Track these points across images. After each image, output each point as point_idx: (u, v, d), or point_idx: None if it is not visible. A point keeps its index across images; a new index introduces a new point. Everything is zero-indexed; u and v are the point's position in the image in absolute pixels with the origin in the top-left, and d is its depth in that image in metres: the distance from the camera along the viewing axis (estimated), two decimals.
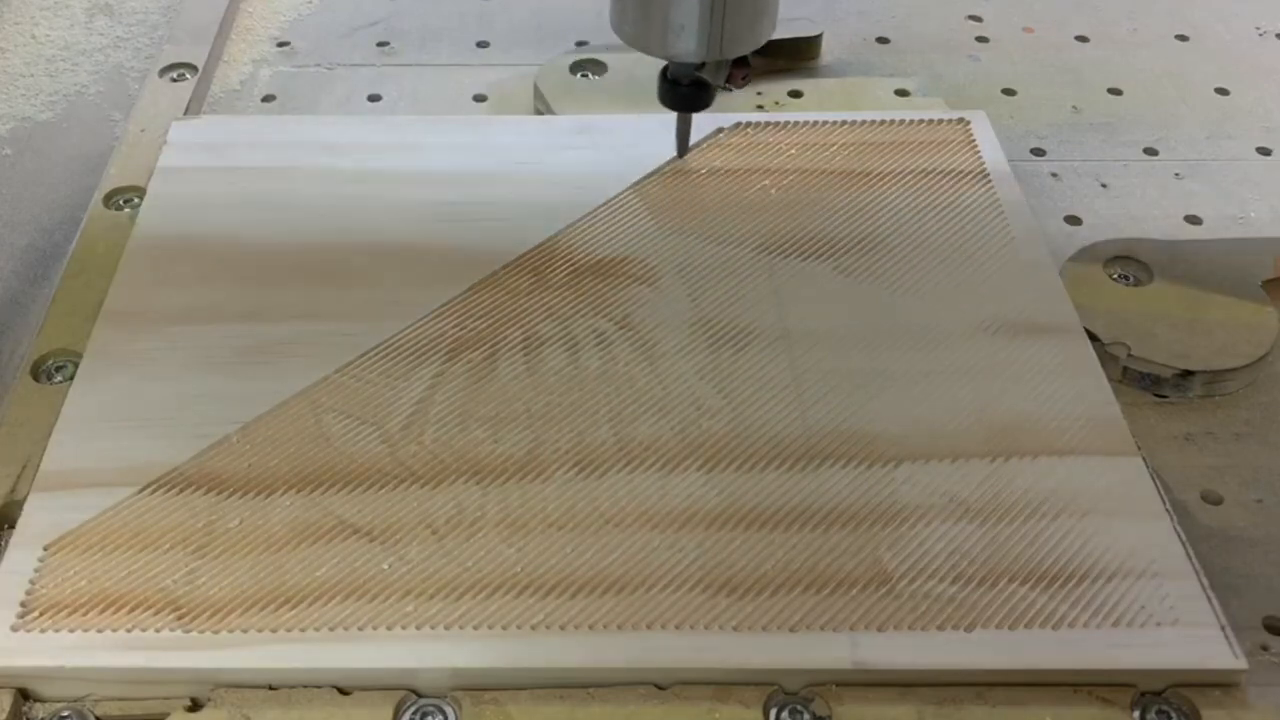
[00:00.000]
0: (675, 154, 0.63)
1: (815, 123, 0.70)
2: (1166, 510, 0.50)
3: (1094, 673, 0.45)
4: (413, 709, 0.45)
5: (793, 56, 0.80)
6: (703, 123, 0.70)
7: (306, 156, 0.67)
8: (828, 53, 0.81)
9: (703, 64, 0.51)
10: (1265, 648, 0.48)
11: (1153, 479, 0.51)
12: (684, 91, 0.51)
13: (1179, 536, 0.49)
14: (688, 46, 0.49)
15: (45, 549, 0.48)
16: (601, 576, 0.48)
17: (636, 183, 0.66)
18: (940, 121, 0.71)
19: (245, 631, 0.45)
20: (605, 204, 0.65)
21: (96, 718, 0.45)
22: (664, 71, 0.53)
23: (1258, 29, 0.86)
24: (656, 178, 0.66)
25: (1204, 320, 0.59)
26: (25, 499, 0.50)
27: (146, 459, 0.51)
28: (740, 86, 0.51)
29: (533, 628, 0.46)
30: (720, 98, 0.76)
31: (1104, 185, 0.71)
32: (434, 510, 0.50)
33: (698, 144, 0.69)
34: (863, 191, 0.66)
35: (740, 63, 0.50)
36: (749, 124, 0.70)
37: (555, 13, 0.86)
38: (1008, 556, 0.48)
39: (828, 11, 0.87)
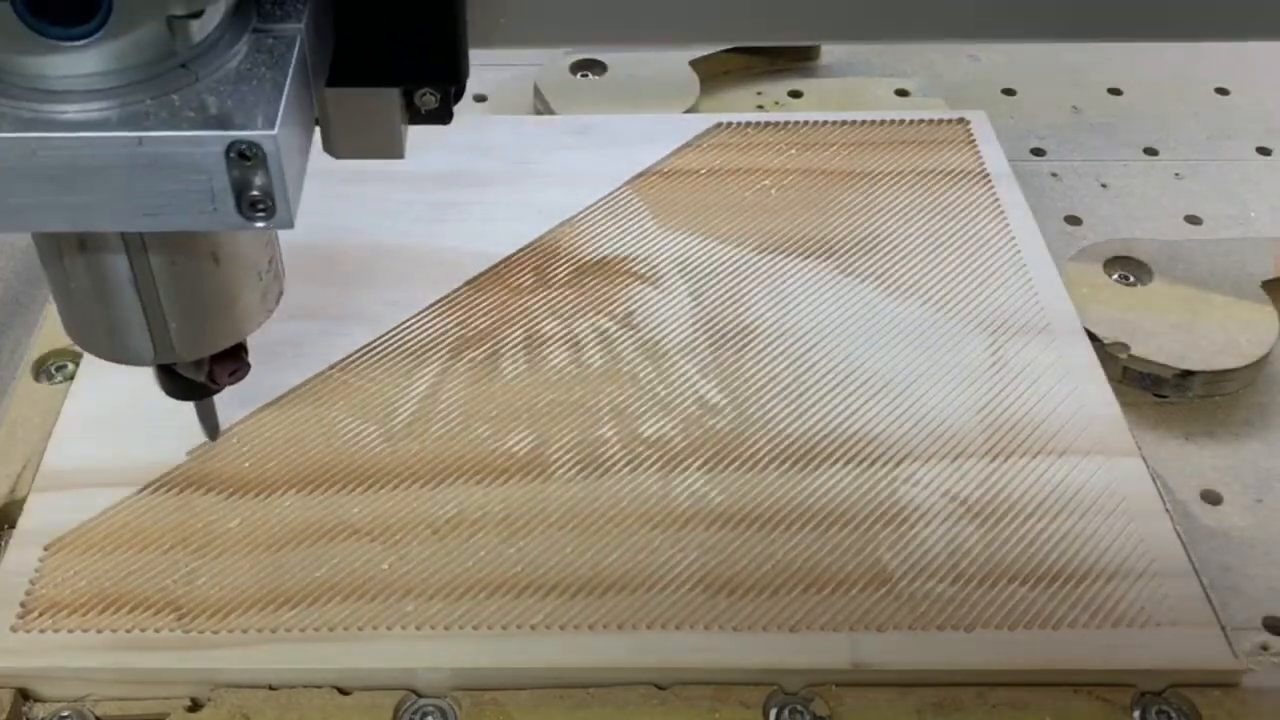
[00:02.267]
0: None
1: (815, 123, 0.70)
2: (1166, 510, 0.50)
3: (1094, 673, 0.45)
4: (413, 709, 0.45)
5: (793, 56, 0.80)
6: (703, 122, 0.70)
7: None
8: (828, 53, 0.81)
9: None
10: (1265, 648, 0.48)
11: (1153, 479, 0.51)
12: (179, 382, 0.47)
13: (1179, 536, 0.49)
14: (135, 351, 0.42)
15: (45, 549, 0.48)
16: (602, 576, 0.48)
17: (637, 182, 0.66)
18: (940, 121, 0.71)
19: (245, 631, 0.45)
20: (607, 204, 0.65)
21: (96, 718, 0.45)
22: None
23: None
24: (657, 177, 0.67)
25: (1204, 320, 0.59)
26: (25, 499, 0.50)
27: (146, 459, 0.51)
28: (229, 383, 0.45)
29: (533, 628, 0.46)
30: (720, 98, 0.76)
31: (1104, 185, 0.71)
32: (435, 510, 0.50)
33: (697, 143, 0.69)
34: (863, 191, 0.66)
35: (227, 358, 0.44)
36: (749, 124, 0.70)
37: None
38: (1007, 556, 0.48)
39: None
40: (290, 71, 0.34)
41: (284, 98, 0.33)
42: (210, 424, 0.50)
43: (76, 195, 0.33)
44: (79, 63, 0.33)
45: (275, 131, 0.32)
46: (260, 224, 0.33)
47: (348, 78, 0.40)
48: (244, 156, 0.32)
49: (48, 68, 0.33)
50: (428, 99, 0.42)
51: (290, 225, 0.34)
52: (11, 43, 0.32)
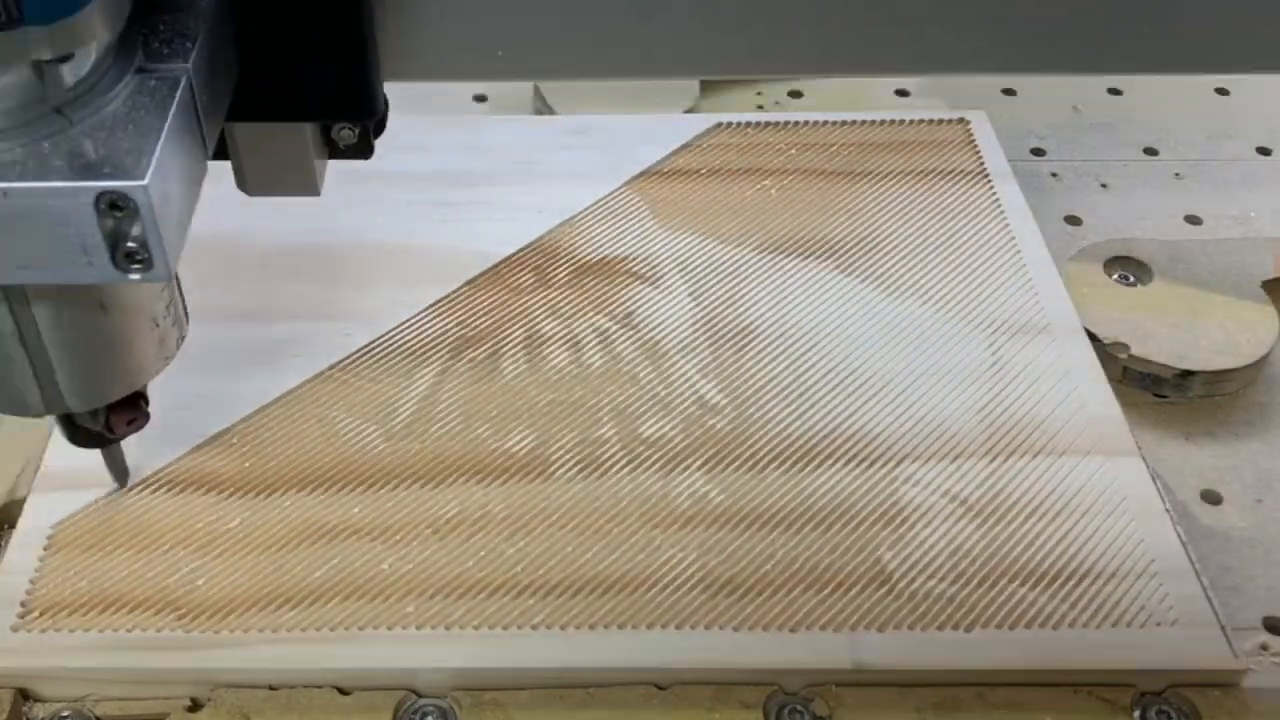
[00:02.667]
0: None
1: (815, 123, 0.70)
2: (1166, 510, 0.50)
3: (1094, 673, 0.45)
4: (413, 709, 0.45)
5: None
6: (703, 122, 0.70)
7: None
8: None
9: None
10: (1265, 648, 0.48)
11: (1153, 479, 0.51)
12: (77, 432, 0.46)
13: (1179, 536, 0.49)
14: (24, 401, 0.40)
15: (45, 549, 0.48)
16: (602, 576, 0.48)
17: (637, 182, 0.66)
18: (940, 121, 0.71)
19: (245, 631, 0.45)
20: (607, 204, 0.65)
21: (96, 718, 0.45)
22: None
23: None
24: (657, 177, 0.67)
25: (1204, 320, 0.59)
26: (25, 499, 0.50)
27: (147, 459, 0.51)
28: (127, 433, 0.45)
29: (533, 628, 0.46)
30: (720, 97, 0.76)
31: (1104, 185, 0.71)
32: (435, 509, 0.50)
33: (697, 143, 0.69)
34: (863, 191, 0.66)
35: (124, 406, 0.43)
36: (749, 124, 0.70)
37: None
38: (1008, 556, 0.48)
39: None
40: (171, 114, 0.33)
41: (160, 144, 0.32)
42: (118, 470, 0.49)
43: None
44: None
45: (146, 181, 0.31)
46: (136, 276, 0.32)
47: (253, 112, 0.39)
48: (115, 207, 0.31)
49: None
50: (345, 134, 0.40)
51: (168, 278, 0.32)
52: None
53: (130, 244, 0.31)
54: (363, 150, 0.41)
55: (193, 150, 0.34)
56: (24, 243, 0.32)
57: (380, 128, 0.41)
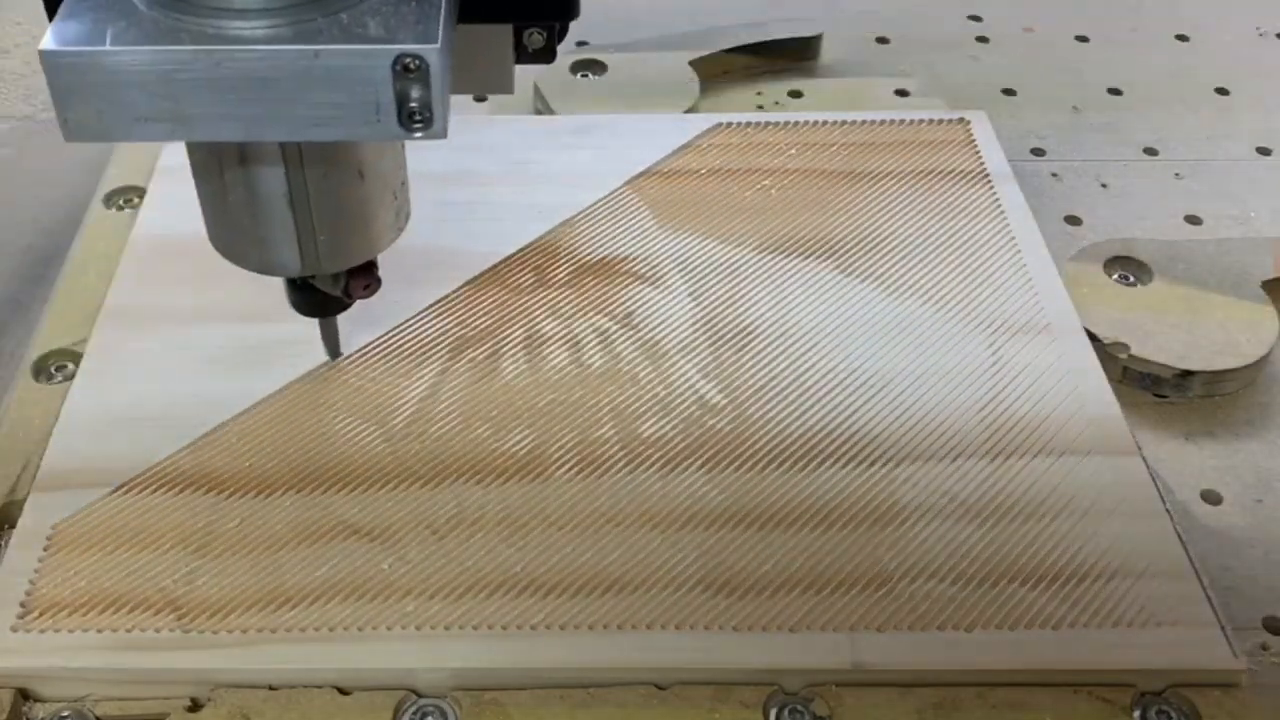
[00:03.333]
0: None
1: (815, 123, 0.70)
2: (1166, 510, 0.50)
3: (1094, 673, 0.45)
4: (413, 709, 0.45)
5: (793, 56, 0.80)
6: (703, 122, 0.70)
7: None
8: (828, 53, 0.81)
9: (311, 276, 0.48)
10: (1265, 648, 0.48)
11: (1153, 479, 0.51)
12: (310, 298, 0.49)
13: (1179, 536, 0.49)
14: (282, 261, 0.45)
15: (45, 549, 0.48)
16: (602, 576, 0.48)
17: (637, 182, 0.66)
18: (940, 121, 0.71)
19: (245, 631, 0.45)
20: (607, 204, 0.65)
21: (96, 718, 0.45)
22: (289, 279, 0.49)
23: (1258, 29, 0.86)
24: (657, 177, 0.67)
25: (1204, 320, 0.59)
26: (25, 499, 0.50)
27: (146, 459, 0.51)
28: (364, 297, 0.48)
29: (533, 628, 0.46)
30: (720, 97, 0.76)
31: (1104, 185, 0.71)
32: (435, 510, 0.50)
33: (697, 143, 0.69)
34: (863, 191, 0.66)
35: (362, 273, 0.48)
36: (749, 124, 0.70)
37: None
38: (1007, 556, 0.48)
39: (828, 11, 0.87)
40: None
41: (441, 16, 0.36)
42: (332, 342, 0.53)
43: (254, 107, 0.36)
44: None
45: (438, 45, 0.35)
46: (419, 134, 0.37)
47: (472, 14, 0.42)
48: (408, 69, 0.36)
49: None
50: (535, 38, 0.45)
51: (444, 135, 0.37)
52: None
53: (413, 104, 0.36)
54: (547, 54, 0.45)
55: (452, 33, 0.39)
56: (324, 103, 0.36)
57: (563, 34, 0.45)
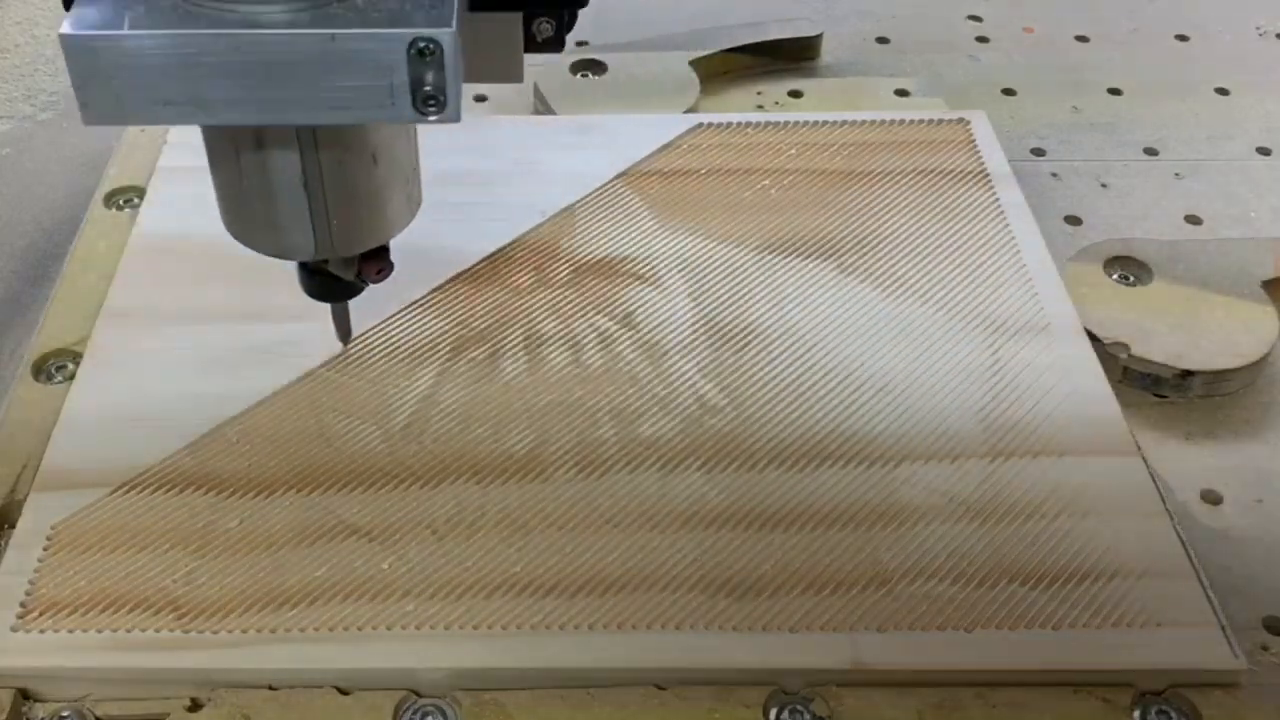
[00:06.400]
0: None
1: (815, 123, 0.70)
2: (1166, 510, 0.50)
3: (1094, 673, 0.45)
4: (413, 709, 0.45)
5: (793, 56, 0.80)
6: (703, 121, 0.70)
7: None
8: (828, 53, 0.81)
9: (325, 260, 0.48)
10: (1265, 648, 0.48)
11: (1153, 479, 0.51)
12: (322, 282, 0.49)
13: (1179, 536, 0.49)
14: (296, 245, 0.46)
15: (45, 549, 0.48)
16: (602, 576, 0.48)
17: (637, 181, 0.66)
18: (940, 121, 0.71)
19: (245, 631, 0.45)
20: (607, 204, 0.65)
21: (96, 718, 0.45)
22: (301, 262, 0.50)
23: (1258, 29, 0.86)
24: (658, 177, 0.67)
25: (1204, 320, 0.59)
26: (25, 499, 0.50)
27: (146, 459, 0.51)
28: (377, 281, 0.48)
29: (533, 628, 0.46)
30: (720, 97, 0.76)
31: (1104, 185, 0.71)
32: (434, 510, 0.50)
33: (697, 143, 0.69)
34: (863, 191, 0.66)
35: (375, 257, 0.48)
36: (749, 124, 0.70)
37: None
38: (1007, 556, 0.48)
39: (828, 11, 0.87)
40: None
41: (456, 3, 0.37)
42: (343, 327, 0.53)
43: (271, 90, 0.37)
44: None
45: (453, 29, 0.36)
46: (433, 118, 0.37)
47: (482, 3, 0.43)
48: (422, 54, 0.36)
49: None
50: (544, 28, 0.45)
51: (458, 119, 0.37)
52: None
53: (427, 88, 0.37)
54: (556, 44, 0.45)
55: (464, 19, 0.39)
56: (340, 86, 0.37)
57: (572, 23, 0.45)
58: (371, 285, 0.48)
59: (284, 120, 0.39)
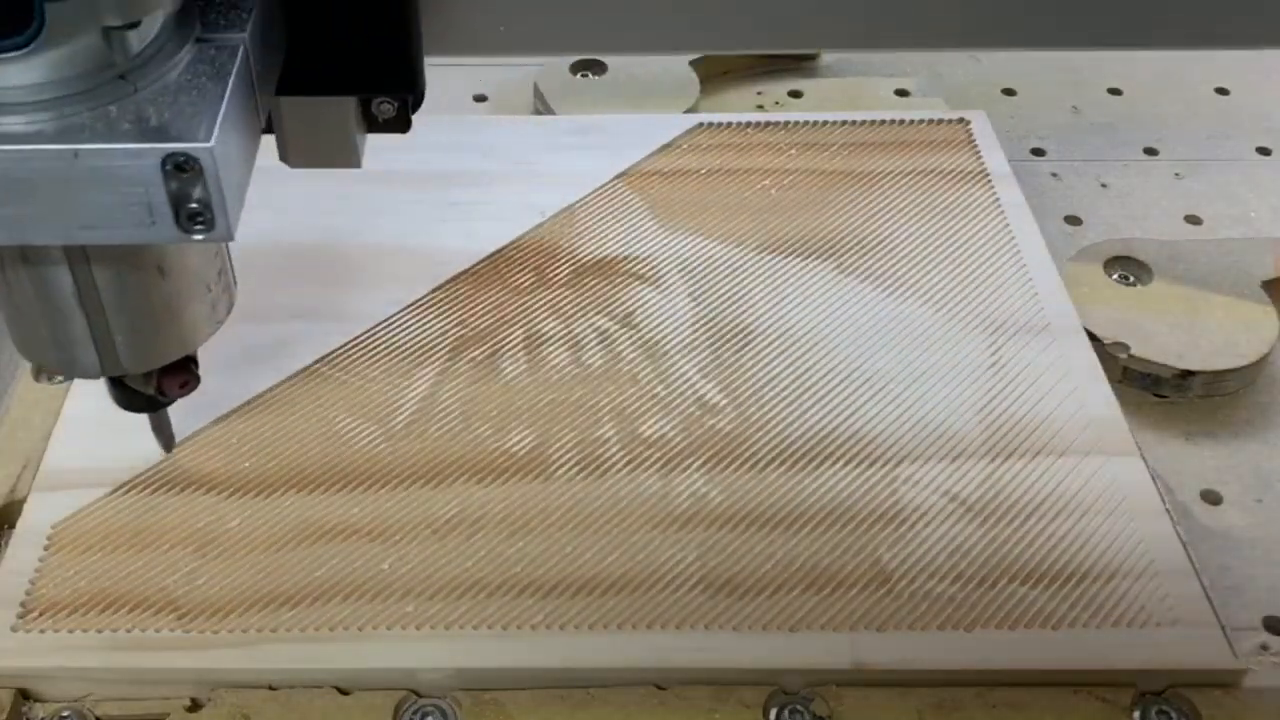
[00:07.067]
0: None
1: (815, 123, 0.70)
2: (1166, 510, 0.50)
3: (1094, 673, 0.45)
4: (413, 709, 0.45)
5: (793, 56, 0.80)
6: (703, 121, 0.70)
7: None
8: (827, 53, 0.81)
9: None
10: (1265, 648, 0.48)
11: (1153, 479, 0.51)
12: (127, 394, 0.45)
13: (1179, 536, 0.49)
14: (83, 363, 0.41)
15: (45, 549, 0.48)
16: (602, 576, 0.48)
17: (637, 181, 0.66)
18: (940, 121, 0.71)
19: (245, 631, 0.45)
20: (607, 204, 0.65)
21: (96, 718, 0.45)
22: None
23: None
24: (658, 177, 0.67)
25: (1204, 320, 0.59)
26: (25, 499, 0.50)
27: (146, 459, 0.51)
28: (180, 395, 0.45)
29: (533, 628, 0.46)
30: (721, 97, 0.76)
31: (1104, 185, 0.71)
32: (435, 509, 0.50)
33: (698, 143, 0.69)
34: (863, 191, 0.66)
35: (176, 370, 0.44)
36: (749, 124, 0.70)
37: None
38: (1008, 556, 0.48)
39: None
40: (231, 82, 0.34)
41: (223, 109, 0.33)
42: (165, 436, 0.49)
43: (13, 208, 0.33)
44: (13, 74, 0.32)
45: (212, 144, 0.32)
46: (199, 237, 0.33)
47: (300, 86, 0.40)
48: (181, 169, 0.32)
49: None
50: (385, 108, 0.41)
51: (230, 238, 0.33)
52: None
53: (193, 205, 0.33)
54: (401, 124, 0.42)
55: (250, 118, 0.36)
56: (91, 203, 0.33)
57: (418, 103, 0.42)
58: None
59: (32, 241, 0.34)
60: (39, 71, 0.32)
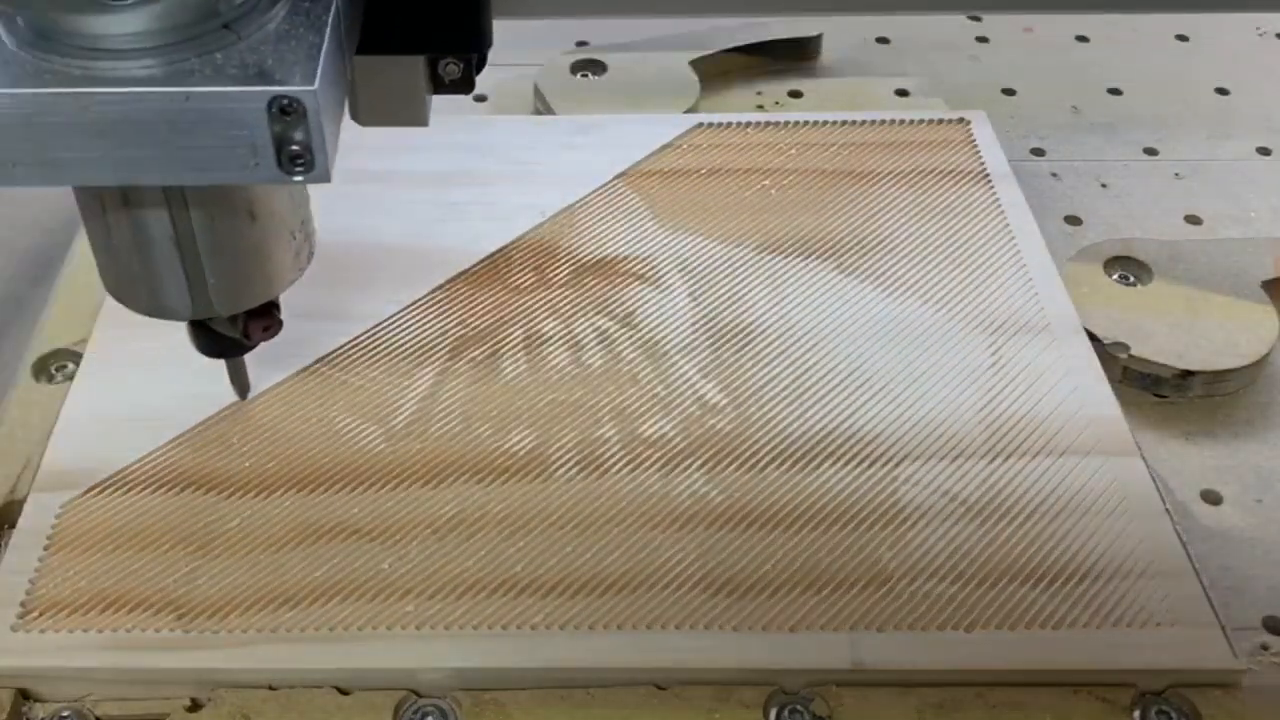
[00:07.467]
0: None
1: (815, 123, 0.71)
2: (1166, 510, 0.50)
3: (1094, 673, 0.45)
4: (413, 709, 0.45)
5: (793, 57, 0.80)
6: (703, 121, 0.70)
7: None
8: (828, 53, 0.81)
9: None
10: (1265, 648, 0.48)
11: (1153, 479, 0.51)
12: (210, 339, 0.47)
13: (1179, 536, 0.49)
14: (173, 305, 0.43)
15: (45, 549, 0.48)
16: (602, 576, 0.48)
17: (637, 181, 0.66)
18: (940, 121, 0.71)
19: (245, 631, 0.45)
20: (607, 204, 0.65)
21: (96, 718, 0.45)
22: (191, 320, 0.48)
23: (1258, 29, 0.86)
24: (658, 177, 0.67)
25: (1204, 320, 0.59)
26: (25, 499, 0.50)
27: (146, 459, 0.51)
28: (264, 339, 0.47)
29: (533, 628, 0.46)
30: (721, 98, 0.76)
31: (1104, 185, 0.71)
32: (435, 509, 0.50)
33: (698, 143, 0.69)
34: (863, 191, 0.66)
35: (260, 314, 0.46)
36: (749, 124, 0.70)
37: None
38: (1007, 556, 0.48)
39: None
40: (327, 32, 0.36)
41: (322, 56, 0.35)
42: (240, 382, 0.51)
43: (125, 150, 0.35)
44: (129, 22, 0.34)
45: (315, 86, 0.34)
46: (299, 177, 0.35)
47: (375, 45, 0.42)
48: (284, 111, 0.34)
49: (100, 27, 0.34)
50: (451, 69, 0.43)
51: (328, 179, 0.35)
52: (66, 3, 0.34)
53: (294, 147, 0.34)
54: (465, 85, 0.44)
55: (341, 70, 0.38)
56: (198, 145, 0.35)
57: (481, 64, 0.44)
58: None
59: (141, 181, 0.36)
60: (151, 20, 0.34)
